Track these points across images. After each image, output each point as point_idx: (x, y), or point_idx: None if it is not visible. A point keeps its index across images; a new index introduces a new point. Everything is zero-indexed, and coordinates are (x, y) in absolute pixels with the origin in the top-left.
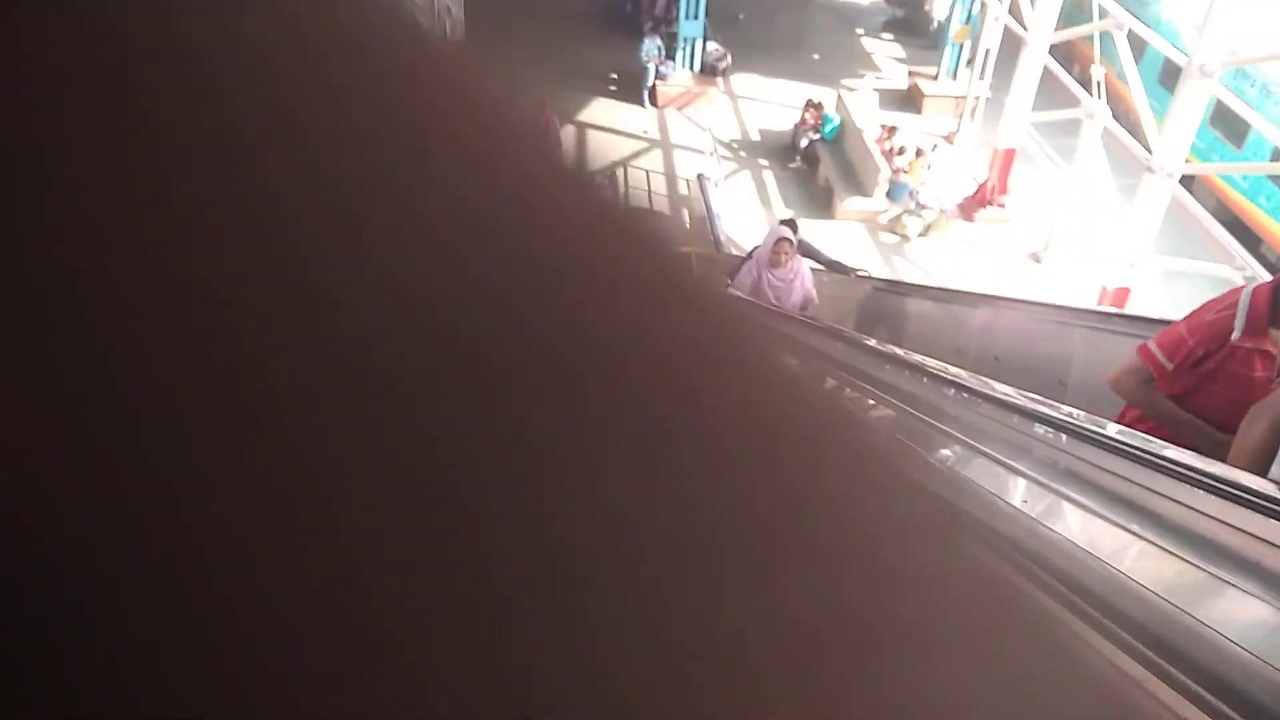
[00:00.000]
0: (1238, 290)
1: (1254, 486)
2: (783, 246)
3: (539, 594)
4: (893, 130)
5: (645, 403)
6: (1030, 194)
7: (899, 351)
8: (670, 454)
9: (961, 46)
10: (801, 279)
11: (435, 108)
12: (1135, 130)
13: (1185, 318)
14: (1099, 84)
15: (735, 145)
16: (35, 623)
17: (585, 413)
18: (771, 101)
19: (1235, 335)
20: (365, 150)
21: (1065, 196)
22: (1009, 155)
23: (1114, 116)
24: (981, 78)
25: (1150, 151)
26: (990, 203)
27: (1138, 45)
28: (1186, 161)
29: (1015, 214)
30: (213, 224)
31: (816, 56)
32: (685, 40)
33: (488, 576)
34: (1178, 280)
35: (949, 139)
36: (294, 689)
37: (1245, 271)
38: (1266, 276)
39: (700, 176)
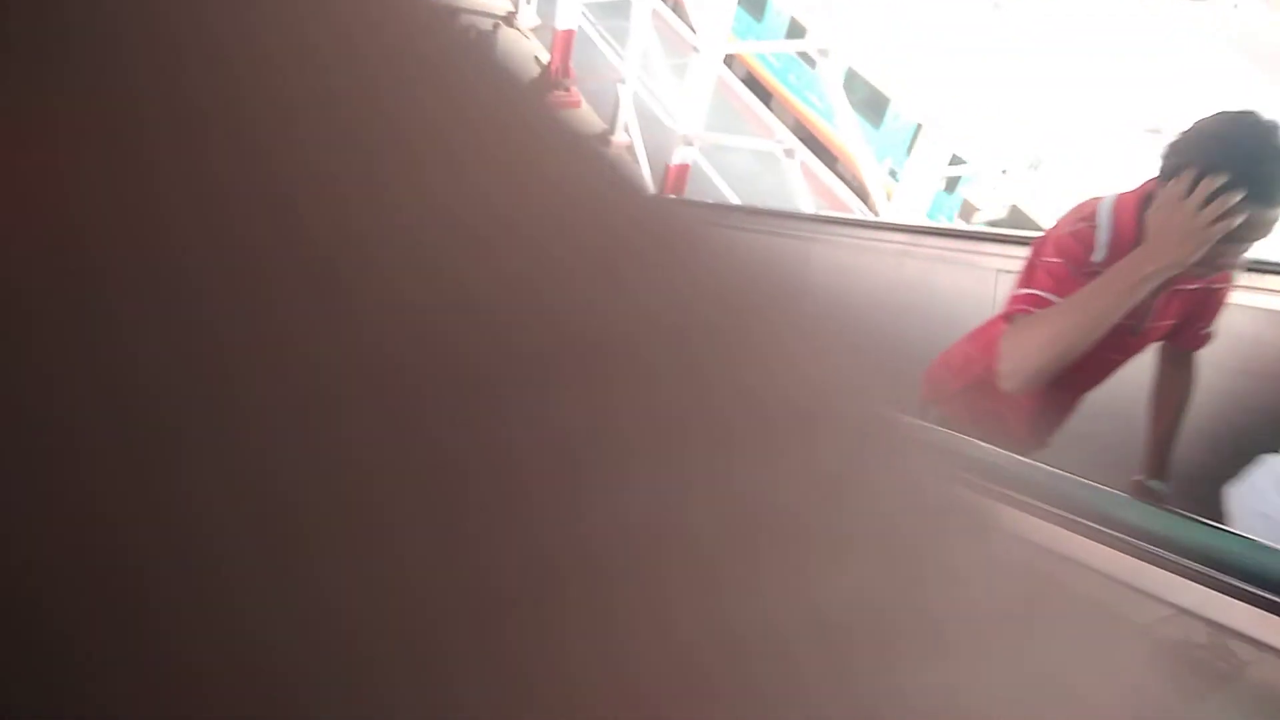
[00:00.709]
0: (1092, 201)
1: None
2: None
3: (561, 593)
4: (453, 11)
5: (669, 390)
6: (593, 76)
7: None
8: (697, 444)
9: None
10: None
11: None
12: (680, 12)
13: (1036, 245)
14: None
15: None
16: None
17: (609, 402)
18: None
19: (1099, 257)
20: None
21: (625, 78)
22: (568, 36)
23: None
24: None
25: (695, 31)
26: (556, 85)
27: None
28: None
29: (580, 96)
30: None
31: None
32: None
33: (514, 573)
34: (728, 154)
35: (509, 20)
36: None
37: (784, 145)
38: (802, 150)
39: None
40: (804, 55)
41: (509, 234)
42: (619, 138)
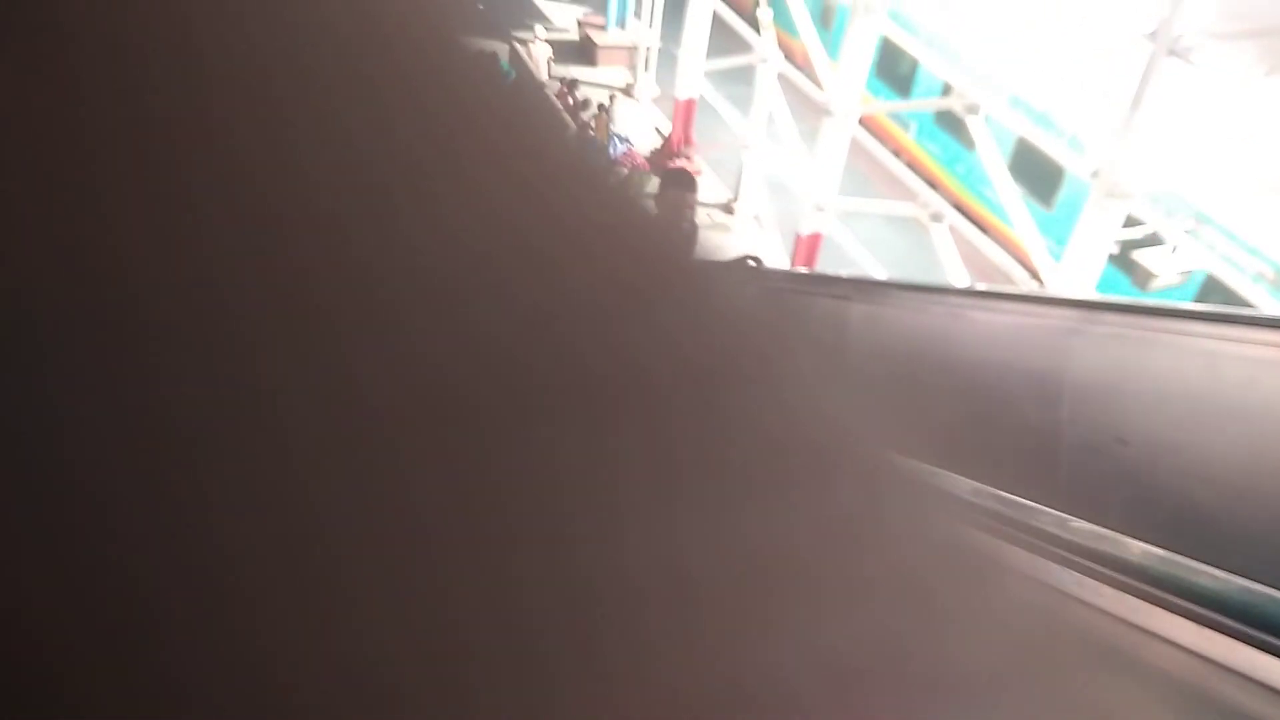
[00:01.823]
0: None
1: None
2: None
3: (592, 624)
4: (573, 84)
5: (698, 432)
6: (715, 144)
7: None
8: (719, 485)
9: None
10: None
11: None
12: (810, 74)
13: None
14: (767, 27)
15: None
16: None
17: (643, 443)
18: None
19: None
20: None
21: (750, 144)
22: (689, 105)
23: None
24: (650, 26)
25: (825, 94)
26: (677, 155)
27: None
28: (861, 103)
29: (703, 165)
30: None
31: (481, 6)
32: None
33: (544, 605)
34: (861, 221)
35: (627, 91)
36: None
37: (930, 209)
38: (951, 213)
39: None
40: (951, 125)
41: (529, 269)
42: (743, 205)
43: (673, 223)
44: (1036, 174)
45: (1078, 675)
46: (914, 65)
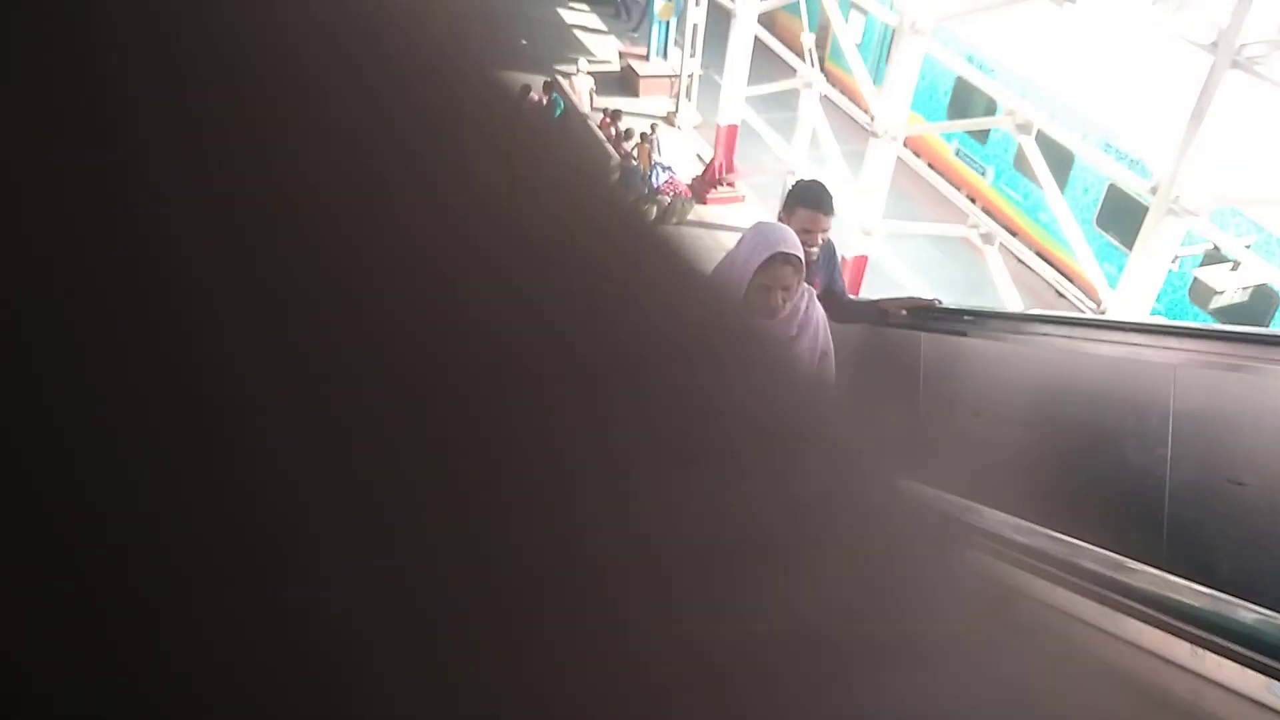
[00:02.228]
0: None
1: None
2: (782, 276)
3: (566, 595)
4: (616, 115)
5: (666, 411)
6: (759, 169)
7: None
8: (686, 464)
9: (668, 24)
10: (814, 328)
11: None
12: (854, 97)
13: None
14: (810, 52)
15: None
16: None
17: (613, 422)
18: None
19: None
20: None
21: (793, 168)
22: (732, 132)
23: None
24: (692, 55)
25: (872, 117)
26: (720, 182)
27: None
28: (909, 123)
29: (746, 191)
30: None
31: (524, 41)
32: None
33: (522, 575)
34: (908, 243)
35: (669, 119)
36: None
37: (979, 229)
38: (1003, 233)
39: None
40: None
41: (503, 257)
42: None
43: (805, 246)
44: (1129, 222)
45: (1029, 645)
46: (992, 107)
